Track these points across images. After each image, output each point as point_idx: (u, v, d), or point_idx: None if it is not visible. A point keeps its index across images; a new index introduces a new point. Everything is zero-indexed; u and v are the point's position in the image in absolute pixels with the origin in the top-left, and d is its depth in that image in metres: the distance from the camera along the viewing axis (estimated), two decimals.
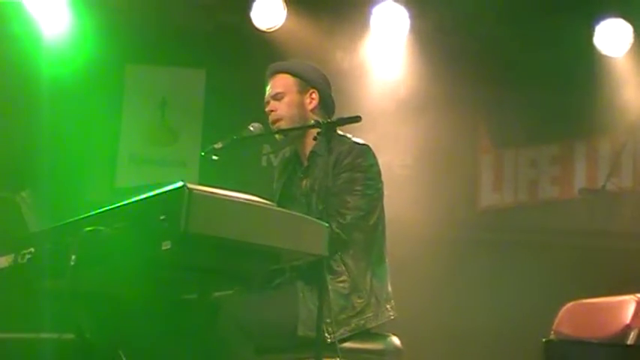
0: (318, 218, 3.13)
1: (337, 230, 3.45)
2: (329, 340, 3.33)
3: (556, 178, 6.72)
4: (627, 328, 3.90)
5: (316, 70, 3.78)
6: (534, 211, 6.66)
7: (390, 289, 3.62)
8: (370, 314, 3.51)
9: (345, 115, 3.46)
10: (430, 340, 5.83)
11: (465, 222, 6.59)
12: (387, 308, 3.58)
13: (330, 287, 3.45)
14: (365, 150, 3.60)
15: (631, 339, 3.86)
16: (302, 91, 3.69)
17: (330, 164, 3.48)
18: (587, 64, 6.29)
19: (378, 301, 3.55)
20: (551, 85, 6.35)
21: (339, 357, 3.30)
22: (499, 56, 6.36)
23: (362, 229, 3.54)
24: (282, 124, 3.65)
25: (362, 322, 3.49)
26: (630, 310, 3.95)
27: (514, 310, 5.93)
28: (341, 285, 3.49)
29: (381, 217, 3.62)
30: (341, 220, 3.47)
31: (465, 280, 6.20)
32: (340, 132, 3.59)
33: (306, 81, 3.71)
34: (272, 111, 3.67)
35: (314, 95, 3.70)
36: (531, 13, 6.18)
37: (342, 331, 3.44)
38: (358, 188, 3.53)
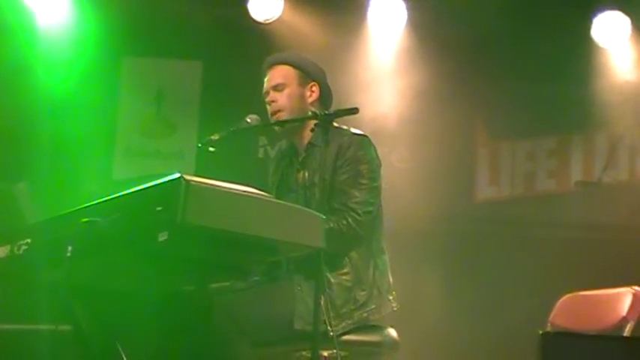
0: (319, 211, 3.12)
1: (355, 226, 3.46)
2: (331, 334, 3.32)
3: (553, 171, 6.72)
4: (623, 320, 3.91)
5: (315, 64, 3.79)
6: (531, 204, 6.66)
7: (391, 279, 3.63)
8: (373, 306, 3.52)
9: (342, 107, 3.47)
10: (426, 332, 5.83)
11: (461, 215, 6.59)
12: (389, 299, 3.58)
13: (333, 280, 3.46)
14: (365, 141, 3.60)
15: (627, 331, 3.87)
16: (303, 84, 3.69)
17: (330, 156, 3.49)
18: (585, 56, 6.29)
19: (380, 292, 3.55)
20: (548, 78, 6.34)
21: (336, 349, 3.30)
22: (496, 49, 6.35)
23: (372, 222, 3.55)
24: (283, 116, 3.65)
25: (365, 314, 3.50)
26: (626, 302, 3.96)
27: (510, 302, 5.94)
28: (344, 278, 3.49)
29: (380, 209, 3.63)
30: (357, 217, 3.48)
31: (461, 273, 6.20)
32: (336, 123, 3.60)
33: (307, 74, 3.71)
34: (272, 102, 3.67)
35: (314, 88, 3.71)
36: (529, 5, 6.17)
37: (344, 324, 3.44)
38: (364, 182, 3.54)
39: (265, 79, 3.73)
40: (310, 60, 3.80)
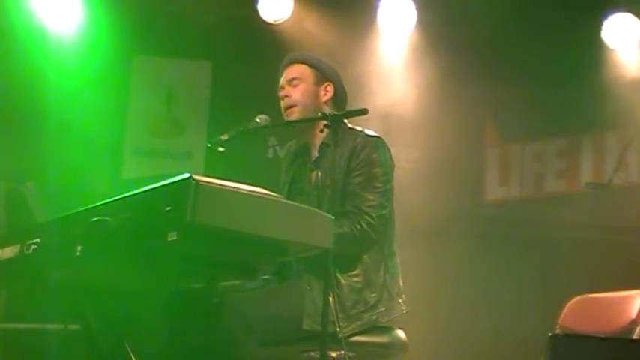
0: (331, 212, 3.12)
1: (368, 230, 3.46)
2: (340, 335, 3.31)
3: (562, 172, 6.71)
4: (633, 323, 3.90)
5: (332, 67, 3.80)
6: (540, 205, 6.66)
7: (401, 282, 3.63)
8: (383, 309, 3.51)
9: (352, 108, 3.48)
10: (435, 333, 5.83)
11: (471, 215, 6.59)
12: (399, 302, 3.58)
13: (343, 281, 3.46)
14: (380, 143, 3.60)
15: (636, 334, 3.86)
16: (318, 83, 3.70)
17: (343, 157, 3.51)
18: (595, 58, 6.28)
19: (390, 295, 3.55)
20: (559, 80, 6.34)
21: (344, 350, 3.30)
22: (506, 50, 6.34)
23: (385, 225, 3.55)
24: (295, 111, 3.65)
25: (374, 316, 3.49)
26: (636, 304, 3.94)
27: (519, 303, 5.93)
28: (355, 279, 3.49)
29: (393, 211, 3.63)
30: (371, 221, 3.48)
31: (471, 274, 6.20)
32: (350, 125, 3.60)
33: (323, 73, 3.73)
34: (286, 96, 3.68)
35: (329, 88, 3.71)
36: (539, 7, 6.16)
37: (353, 325, 3.44)
38: (378, 185, 3.54)
39: (281, 77, 3.75)
40: (328, 62, 3.81)
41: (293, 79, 3.69)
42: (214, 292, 3.14)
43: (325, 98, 3.70)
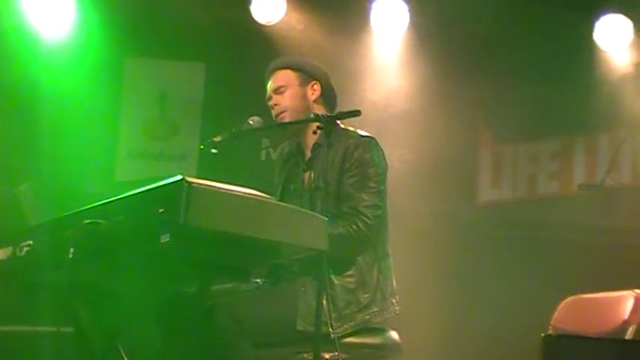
0: (324, 214, 3.12)
1: (365, 230, 3.47)
2: (332, 336, 3.32)
3: (555, 173, 6.72)
4: (625, 324, 3.90)
5: (315, 65, 3.82)
6: (533, 207, 6.66)
7: (394, 283, 3.63)
8: (376, 309, 3.52)
9: (345, 110, 3.49)
10: (428, 335, 5.83)
11: (463, 217, 6.59)
12: (392, 303, 3.59)
13: (336, 282, 3.47)
14: (372, 144, 3.62)
15: (629, 334, 3.86)
16: (304, 84, 3.72)
17: (336, 158, 3.53)
18: (587, 59, 6.30)
19: (383, 295, 3.55)
20: (551, 81, 6.34)
21: (337, 351, 3.30)
22: (499, 51, 6.36)
23: (379, 225, 3.56)
24: (286, 116, 3.68)
25: (367, 317, 3.50)
26: (628, 305, 3.95)
27: (512, 305, 5.93)
28: (348, 280, 3.50)
29: (386, 211, 3.64)
30: (367, 221, 3.49)
31: (464, 275, 6.20)
32: (343, 125, 3.62)
33: (307, 73, 3.74)
34: (275, 104, 3.70)
35: (315, 87, 3.74)
36: (531, 8, 6.18)
37: (346, 326, 3.45)
38: (372, 185, 3.55)
39: (268, 86, 3.77)
40: (310, 61, 3.84)
41: (279, 87, 3.71)
42: (207, 295, 3.14)
43: (314, 97, 3.73)
